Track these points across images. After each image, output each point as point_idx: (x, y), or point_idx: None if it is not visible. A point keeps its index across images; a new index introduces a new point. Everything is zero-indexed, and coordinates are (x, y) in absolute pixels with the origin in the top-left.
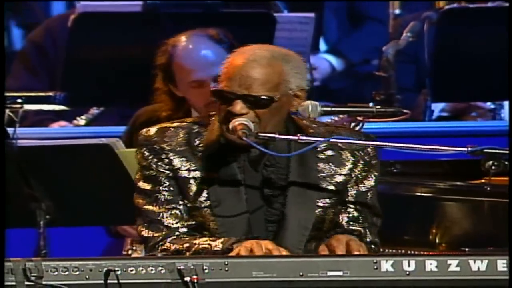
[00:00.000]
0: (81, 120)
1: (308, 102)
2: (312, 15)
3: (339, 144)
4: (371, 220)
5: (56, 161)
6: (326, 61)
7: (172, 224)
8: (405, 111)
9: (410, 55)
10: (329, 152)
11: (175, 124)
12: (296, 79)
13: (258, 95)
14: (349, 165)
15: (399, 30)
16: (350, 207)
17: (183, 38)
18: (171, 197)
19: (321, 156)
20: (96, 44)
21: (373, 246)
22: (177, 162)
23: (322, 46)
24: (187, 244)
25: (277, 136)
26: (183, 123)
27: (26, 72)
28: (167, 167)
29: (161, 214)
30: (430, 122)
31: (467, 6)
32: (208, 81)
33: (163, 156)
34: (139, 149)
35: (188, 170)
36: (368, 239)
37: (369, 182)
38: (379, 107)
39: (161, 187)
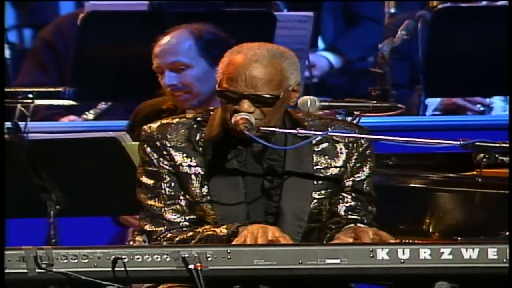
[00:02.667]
0: (90, 115)
1: (307, 97)
2: (310, 14)
3: (334, 137)
4: (368, 208)
5: (65, 153)
6: (324, 58)
7: (174, 218)
8: (399, 106)
9: (404, 52)
10: (324, 145)
11: (175, 121)
12: (293, 75)
13: (264, 94)
14: (343, 157)
15: (394, 28)
16: (347, 197)
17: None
18: (172, 193)
19: (316, 149)
20: (104, 42)
21: None
22: (178, 158)
23: (320, 44)
24: (191, 233)
25: (277, 130)
26: (183, 119)
27: (37, 68)
28: (168, 163)
29: (163, 209)
30: (424, 116)
31: (460, 5)
32: (163, 67)
33: (165, 152)
34: (141, 144)
35: (189, 166)
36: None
37: (364, 172)
38: (375, 102)
39: (162, 183)
